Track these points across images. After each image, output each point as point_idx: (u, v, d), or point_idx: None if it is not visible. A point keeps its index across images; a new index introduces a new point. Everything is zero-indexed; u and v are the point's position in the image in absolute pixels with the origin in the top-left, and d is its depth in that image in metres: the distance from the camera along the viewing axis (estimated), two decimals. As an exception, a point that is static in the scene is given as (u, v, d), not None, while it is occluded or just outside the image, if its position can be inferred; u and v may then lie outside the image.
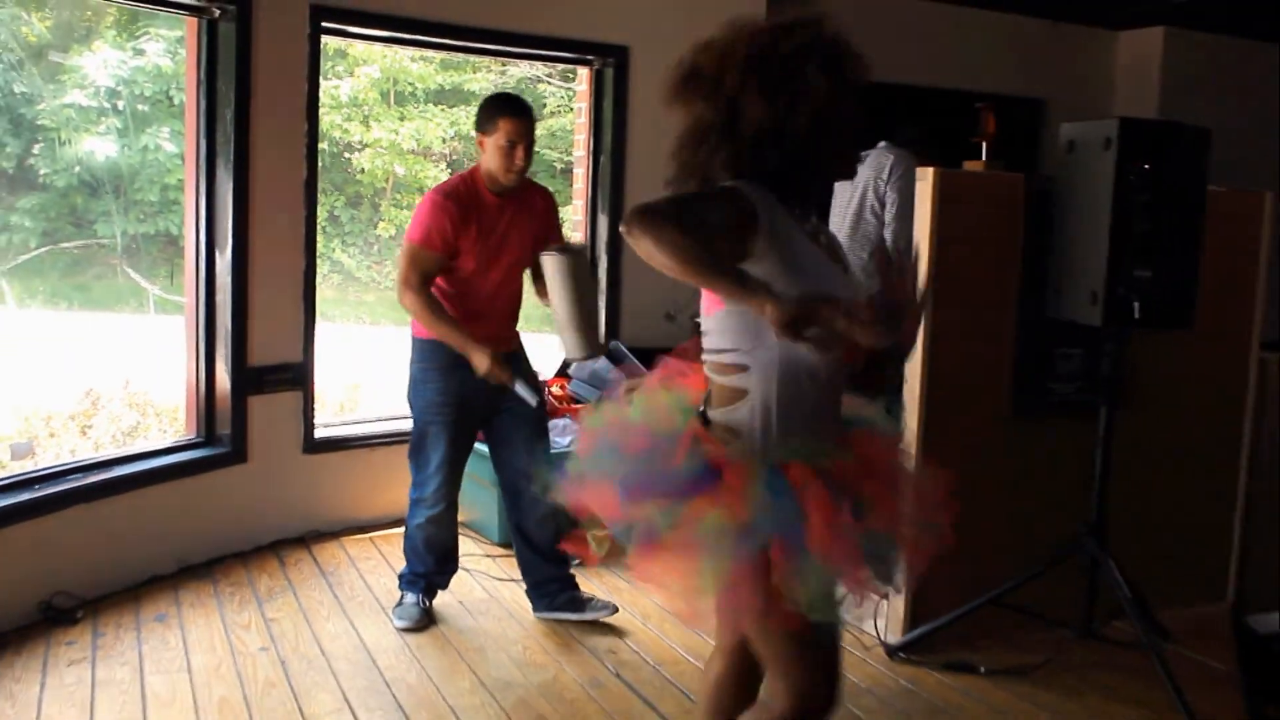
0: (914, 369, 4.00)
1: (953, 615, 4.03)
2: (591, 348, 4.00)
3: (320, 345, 5.21)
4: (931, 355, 3.98)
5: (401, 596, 4.29)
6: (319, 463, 5.20)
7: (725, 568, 2.15)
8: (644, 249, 2.05)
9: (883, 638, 4.15)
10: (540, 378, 4.47)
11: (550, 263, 3.89)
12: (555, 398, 5.48)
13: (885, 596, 2.27)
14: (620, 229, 2.07)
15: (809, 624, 2.23)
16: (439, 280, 4.04)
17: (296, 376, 5.07)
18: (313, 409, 5.17)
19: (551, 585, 4.31)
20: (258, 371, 4.92)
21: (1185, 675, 3.76)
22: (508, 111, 3.99)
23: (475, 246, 4.02)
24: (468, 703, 3.63)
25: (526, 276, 4.24)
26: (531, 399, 4.09)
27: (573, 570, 4.38)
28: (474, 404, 4.13)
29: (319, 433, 5.23)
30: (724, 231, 2.14)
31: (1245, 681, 4.05)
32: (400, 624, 4.20)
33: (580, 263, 3.93)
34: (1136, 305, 3.66)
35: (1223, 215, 4.21)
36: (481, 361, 3.95)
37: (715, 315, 2.28)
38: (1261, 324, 4.69)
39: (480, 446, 4.35)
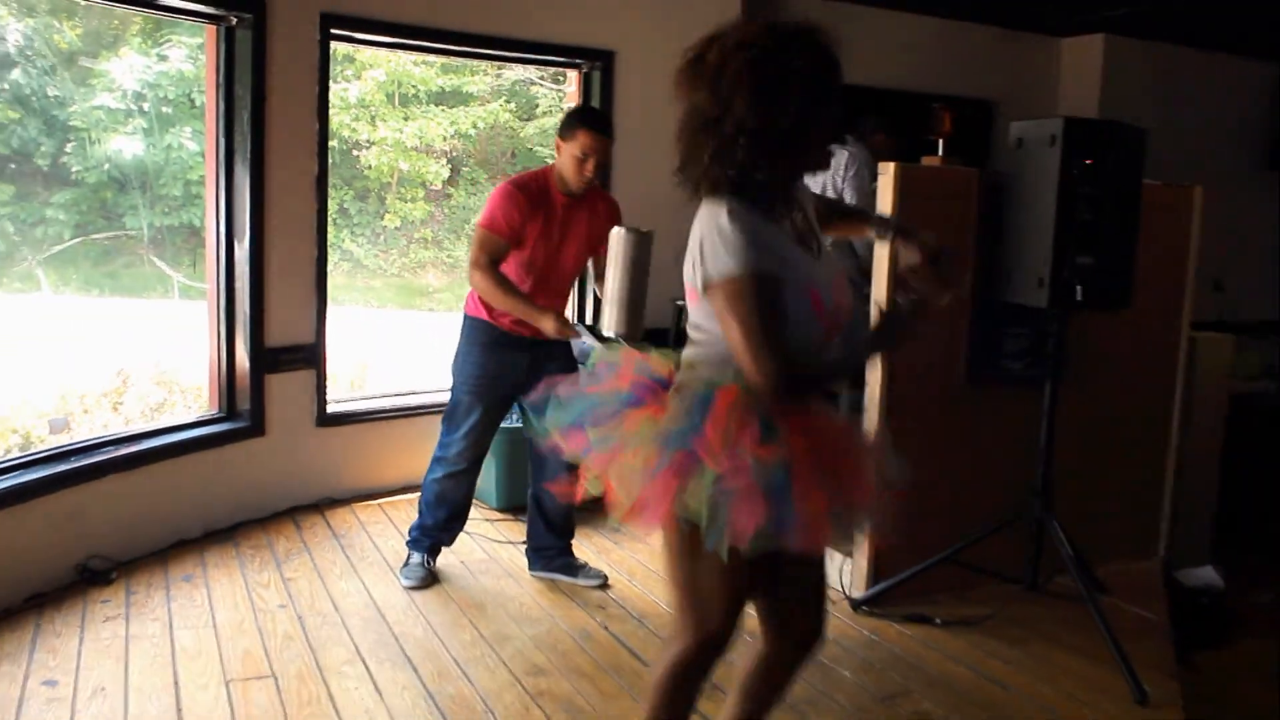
0: (876, 348, 4.01)
1: (911, 571, 4.05)
2: (631, 327, 3.93)
3: (331, 327, 5.19)
4: (892, 335, 3.99)
5: (408, 556, 4.29)
6: (331, 435, 5.19)
7: (644, 466, 2.15)
8: None
9: (847, 592, 4.17)
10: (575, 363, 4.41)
11: (619, 237, 3.82)
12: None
13: (771, 536, 2.13)
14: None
15: (736, 565, 2.18)
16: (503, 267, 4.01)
17: (310, 356, 5.06)
18: (325, 386, 5.16)
19: (550, 551, 4.32)
20: (274, 352, 4.91)
21: (1121, 625, 3.78)
22: (588, 125, 3.92)
23: (539, 238, 3.99)
24: (469, 654, 3.64)
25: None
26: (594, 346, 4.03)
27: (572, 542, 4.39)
28: (509, 381, 4.09)
29: (331, 408, 5.22)
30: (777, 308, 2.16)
31: (1175, 630, 4.09)
32: (407, 583, 4.19)
33: (645, 245, 3.85)
34: (1079, 289, 3.67)
35: (1157, 207, 4.23)
36: (549, 324, 3.87)
37: (699, 303, 2.25)
38: (1191, 305, 4.71)
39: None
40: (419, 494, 4.33)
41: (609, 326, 3.94)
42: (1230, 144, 7.65)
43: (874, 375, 4.03)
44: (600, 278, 4.08)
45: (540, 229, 3.99)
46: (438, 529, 4.26)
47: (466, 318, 4.16)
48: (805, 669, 2.61)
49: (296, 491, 5.09)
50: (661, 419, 2.19)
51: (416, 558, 4.27)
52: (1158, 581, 4.57)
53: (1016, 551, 4.11)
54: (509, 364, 4.07)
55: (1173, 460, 4.80)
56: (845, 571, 4.21)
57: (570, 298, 4.32)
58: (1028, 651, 3.79)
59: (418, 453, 5.40)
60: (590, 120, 3.97)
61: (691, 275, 2.23)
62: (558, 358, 4.13)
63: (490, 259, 3.94)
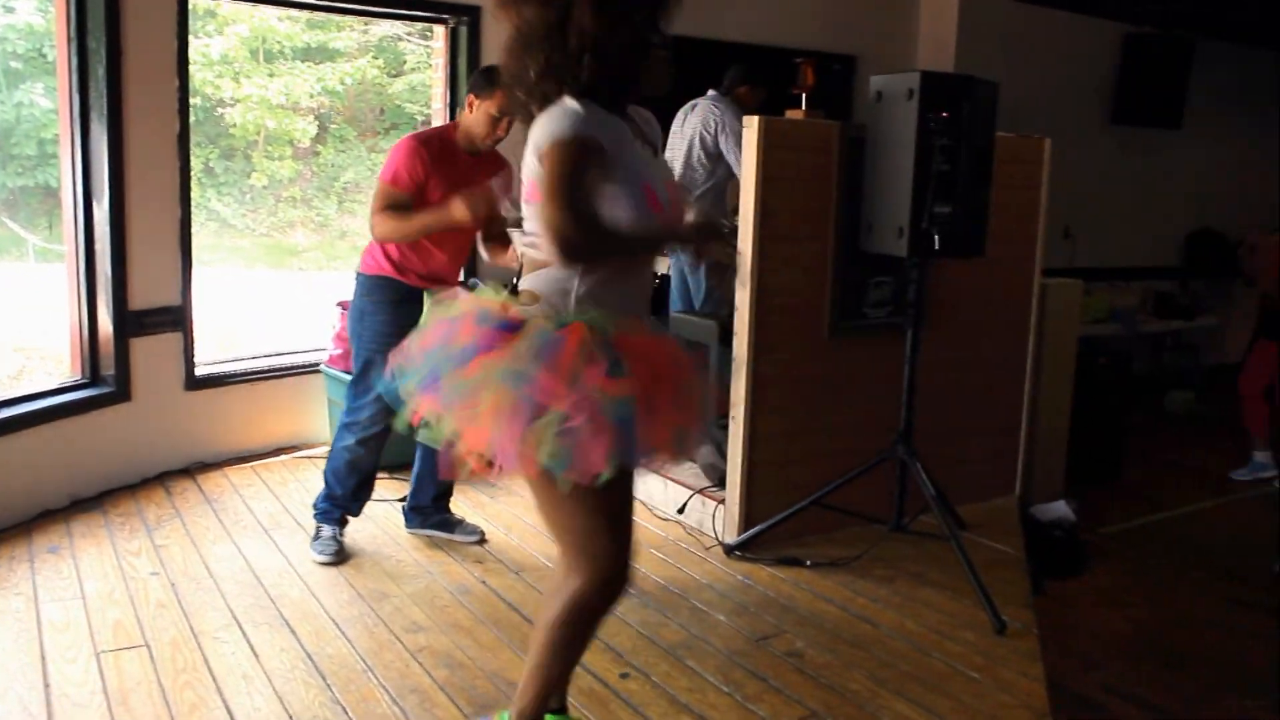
0: (743, 297, 4.03)
1: (782, 516, 4.11)
2: None
3: (198, 288, 5.01)
4: (759, 285, 4.02)
5: (318, 529, 4.09)
6: (201, 398, 5.02)
7: (493, 411, 2.13)
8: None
9: (720, 538, 4.21)
10: None
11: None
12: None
13: (620, 465, 2.19)
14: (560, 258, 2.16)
15: (606, 497, 2.22)
16: None
17: (176, 318, 4.87)
18: (193, 348, 4.98)
19: (429, 508, 4.25)
20: (138, 315, 4.71)
21: (981, 559, 3.90)
22: None
23: (441, 196, 3.83)
24: (347, 613, 3.57)
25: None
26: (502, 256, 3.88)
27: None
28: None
29: (200, 370, 5.05)
30: (593, 189, 2.21)
31: (1030, 563, 4.23)
32: (322, 558, 3.98)
33: None
34: (937, 237, 3.73)
35: (1009, 158, 4.33)
36: (459, 210, 3.70)
37: (536, 207, 2.26)
38: (1042, 252, 4.84)
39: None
40: (326, 462, 4.13)
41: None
42: (1077, 99, 7.87)
43: (741, 326, 4.05)
44: (490, 243, 4.00)
45: (443, 185, 3.85)
46: (347, 499, 4.08)
47: (368, 277, 3.98)
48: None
49: (166, 456, 4.92)
50: (504, 360, 2.17)
51: (328, 530, 4.07)
52: (1014, 517, 4.72)
53: (882, 493, 4.19)
54: (418, 319, 3.92)
55: (1027, 400, 4.95)
56: (717, 518, 4.25)
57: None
58: (894, 588, 3.88)
59: (290, 413, 5.29)
60: None
61: (532, 166, 2.25)
62: None
63: (389, 210, 3.82)
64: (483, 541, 4.21)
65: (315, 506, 4.13)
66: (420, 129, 3.98)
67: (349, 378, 4.36)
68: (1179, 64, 8.14)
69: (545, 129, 2.23)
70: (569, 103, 2.24)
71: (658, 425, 2.22)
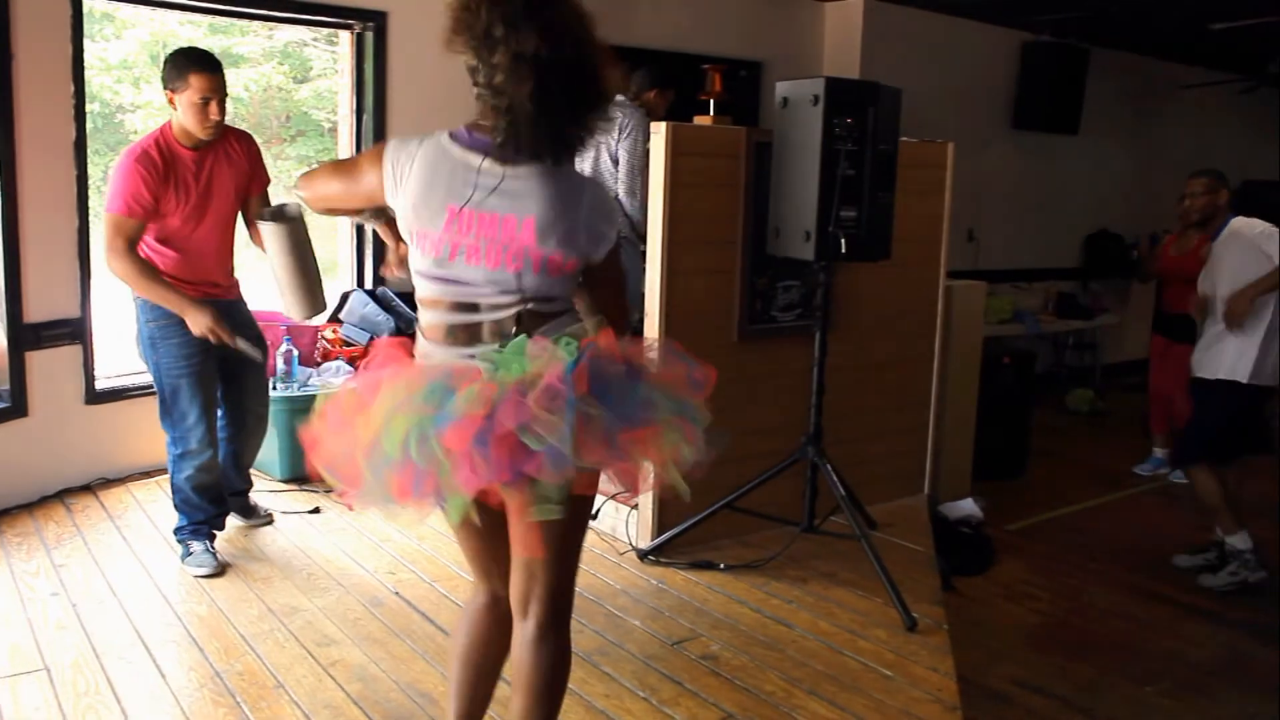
0: (653, 301, 4.04)
1: (695, 520, 4.12)
2: (312, 308, 3.81)
3: (100, 300, 4.87)
4: (669, 289, 4.03)
5: (188, 546, 3.98)
6: (102, 413, 4.88)
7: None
8: None
9: (634, 543, 4.21)
10: (259, 327, 4.17)
11: (266, 230, 3.66)
12: (329, 341, 5.31)
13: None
14: None
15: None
16: (148, 236, 3.75)
17: (75, 331, 4.73)
18: (93, 361, 4.84)
19: (235, 496, 4.28)
20: (35, 327, 4.56)
21: (891, 558, 3.96)
22: (198, 67, 3.66)
23: (178, 204, 3.74)
24: (257, 629, 3.50)
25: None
26: (255, 355, 3.90)
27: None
28: (211, 349, 3.86)
29: (101, 384, 4.91)
30: None
31: (940, 560, 4.30)
32: (200, 572, 3.89)
33: (297, 228, 3.70)
34: (844, 241, 3.77)
35: (913, 163, 4.39)
36: (199, 321, 3.69)
37: (562, 278, 2.24)
38: (947, 255, 4.93)
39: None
40: (173, 494, 4.04)
41: (292, 313, 3.83)
42: (979, 104, 8.04)
43: (651, 331, 4.05)
44: (254, 230, 3.97)
45: (175, 195, 3.74)
46: (210, 520, 4.02)
47: (147, 301, 3.82)
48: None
49: (66, 473, 4.77)
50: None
51: (198, 544, 3.98)
52: (923, 516, 4.79)
53: (793, 495, 4.22)
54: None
55: (934, 401, 5.03)
56: (631, 523, 4.25)
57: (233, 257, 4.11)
58: (807, 589, 3.92)
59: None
60: (198, 61, 3.70)
61: (586, 246, 2.23)
62: (243, 323, 3.99)
63: (127, 243, 3.68)
64: (271, 522, 4.37)
65: (179, 533, 4.03)
66: (137, 141, 3.79)
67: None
68: (1075, 71, 8.35)
69: (610, 217, 2.30)
70: (601, 183, 2.31)
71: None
